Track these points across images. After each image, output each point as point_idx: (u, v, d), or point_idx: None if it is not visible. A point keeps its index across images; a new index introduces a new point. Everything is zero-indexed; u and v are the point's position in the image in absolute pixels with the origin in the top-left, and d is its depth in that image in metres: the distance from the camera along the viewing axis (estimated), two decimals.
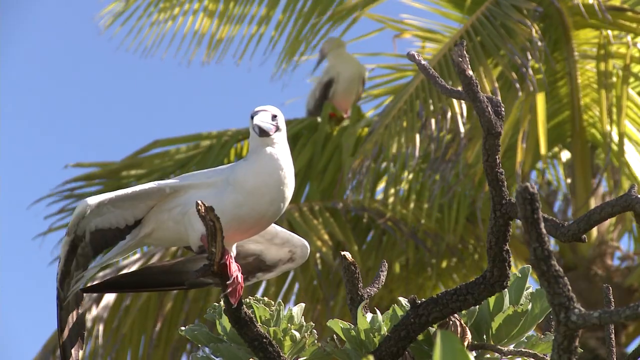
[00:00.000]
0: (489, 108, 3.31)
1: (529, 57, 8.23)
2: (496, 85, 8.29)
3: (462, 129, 8.28)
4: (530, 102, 8.66)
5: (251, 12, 9.57)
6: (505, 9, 8.40)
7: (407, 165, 8.35)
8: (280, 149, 3.63)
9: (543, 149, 8.69)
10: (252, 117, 3.64)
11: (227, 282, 3.42)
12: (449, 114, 8.29)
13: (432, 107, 8.32)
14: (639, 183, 8.90)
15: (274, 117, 3.64)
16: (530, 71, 8.23)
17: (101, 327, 8.79)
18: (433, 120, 8.28)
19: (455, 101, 8.34)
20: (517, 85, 8.36)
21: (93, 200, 3.62)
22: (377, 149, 8.39)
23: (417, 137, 8.33)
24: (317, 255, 8.81)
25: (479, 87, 3.34)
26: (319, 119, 9.74)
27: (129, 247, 3.77)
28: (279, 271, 3.79)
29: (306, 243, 3.79)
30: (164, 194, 3.64)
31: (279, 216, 3.68)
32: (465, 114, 8.35)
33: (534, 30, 8.25)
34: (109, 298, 8.88)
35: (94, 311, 8.78)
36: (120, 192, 3.64)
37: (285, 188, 3.61)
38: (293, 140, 9.60)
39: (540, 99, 8.68)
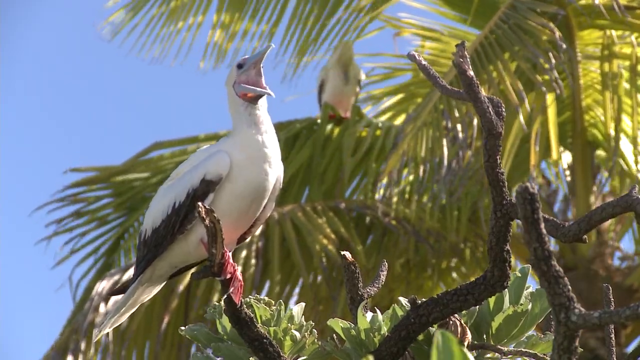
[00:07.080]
0: (490, 108, 3.31)
1: (552, 59, 8.15)
2: (520, 87, 8.22)
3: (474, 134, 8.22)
4: (541, 104, 8.64)
5: (253, 17, 9.56)
6: (524, 13, 8.31)
7: (436, 173, 8.26)
8: (263, 114, 3.59)
9: (555, 154, 8.69)
10: (239, 66, 3.63)
11: (220, 279, 3.41)
12: (475, 121, 8.20)
13: (457, 114, 8.22)
14: (639, 183, 8.90)
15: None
16: (556, 73, 8.16)
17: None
18: (459, 126, 8.18)
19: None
20: (544, 89, 8.32)
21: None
22: (405, 159, 8.31)
23: (445, 145, 8.24)
24: (323, 253, 8.80)
25: (479, 87, 3.34)
26: (319, 120, 9.74)
27: (145, 279, 3.71)
28: (269, 207, 3.70)
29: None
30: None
31: (277, 189, 3.64)
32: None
33: (557, 33, 8.17)
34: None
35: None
36: None
37: (275, 154, 3.57)
38: (293, 141, 9.60)
39: (552, 102, 8.67)
